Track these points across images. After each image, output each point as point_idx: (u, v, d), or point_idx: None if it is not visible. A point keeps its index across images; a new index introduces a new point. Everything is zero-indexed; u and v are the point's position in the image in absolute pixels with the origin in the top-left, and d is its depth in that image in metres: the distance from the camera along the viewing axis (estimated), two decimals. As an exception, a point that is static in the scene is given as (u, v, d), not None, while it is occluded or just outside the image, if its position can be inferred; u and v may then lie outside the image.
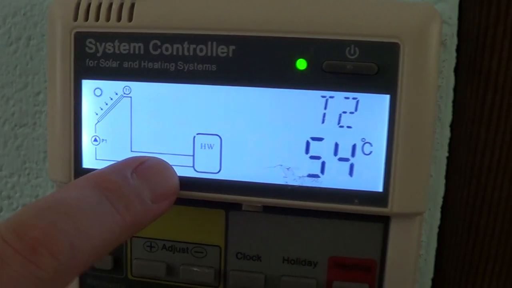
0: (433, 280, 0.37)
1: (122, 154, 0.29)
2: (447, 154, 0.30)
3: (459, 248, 0.36)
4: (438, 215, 0.31)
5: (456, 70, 0.34)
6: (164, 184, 0.24)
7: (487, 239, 0.36)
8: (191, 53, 0.27)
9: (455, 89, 0.34)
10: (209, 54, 0.27)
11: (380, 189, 0.27)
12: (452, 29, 0.28)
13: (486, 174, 0.35)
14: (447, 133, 0.29)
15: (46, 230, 0.18)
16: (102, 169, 0.23)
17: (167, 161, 0.27)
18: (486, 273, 0.36)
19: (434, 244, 0.31)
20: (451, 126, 0.30)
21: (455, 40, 0.29)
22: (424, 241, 0.30)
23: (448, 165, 0.36)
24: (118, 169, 0.23)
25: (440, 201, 0.31)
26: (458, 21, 0.32)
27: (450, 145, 0.34)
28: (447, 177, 0.35)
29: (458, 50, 0.33)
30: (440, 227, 0.37)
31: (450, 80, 0.29)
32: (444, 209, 0.36)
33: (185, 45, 0.27)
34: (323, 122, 0.27)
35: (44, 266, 0.17)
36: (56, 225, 0.18)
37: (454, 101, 0.34)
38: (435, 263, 0.37)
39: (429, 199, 0.30)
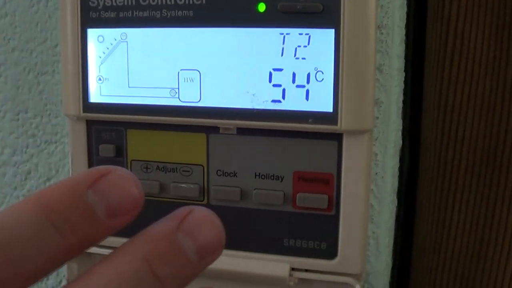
0: (406, 208, 0.43)
1: (122, 90, 0.37)
2: (397, 84, 0.37)
3: (431, 179, 0.43)
4: (392, 137, 0.37)
5: (423, 19, 0.40)
6: (122, 198, 0.22)
7: (455, 170, 0.42)
8: (173, 2, 0.36)
9: (423, 36, 0.41)
10: (186, 2, 0.35)
11: (331, 110, 0.34)
12: (396, -26, 0.35)
13: (451, 111, 0.41)
14: (395, 64, 0.36)
15: None
16: (53, 185, 0.21)
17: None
18: (456, 201, 0.42)
19: (390, 163, 0.38)
20: (408, 60, 0.37)
21: (399, -16, 0.36)
22: (379, 160, 0.37)
23: (419, 104, 0.42)
24: (71, 185, 0.21)
25: (393, 126, 0.37)
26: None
27: (416, 84, 0.41)
28: (414, 112, 0.42)
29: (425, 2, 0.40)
30: (413, 162, 0.43)
31: (395, 19, 0.36)
32: (416, 145, 0.43)
33: (168, -5, 0.36)
34: (282, 55, 0.35)
35: None
36: None
37: (418, 46, 0.40)
38: (409, 192, 0.43)
39: (381, 123, 0.37)
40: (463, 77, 0.41)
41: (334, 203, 0.36)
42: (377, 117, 0.37)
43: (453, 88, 0.41)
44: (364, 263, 0.37)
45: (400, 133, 0.39)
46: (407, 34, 0.39)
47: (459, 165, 0.42)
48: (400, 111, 0.38)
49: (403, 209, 0.43)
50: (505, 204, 0.41)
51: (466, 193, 0.42)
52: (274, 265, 0.37)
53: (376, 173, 0.37)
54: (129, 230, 0.21)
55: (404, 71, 0.39)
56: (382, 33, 0.36)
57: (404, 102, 0.40)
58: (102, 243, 0.39)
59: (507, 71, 0.40)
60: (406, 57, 0.39)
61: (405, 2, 0.37)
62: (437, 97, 0.41)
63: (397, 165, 0.39)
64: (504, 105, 0.40)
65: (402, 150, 0.41)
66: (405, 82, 0.39)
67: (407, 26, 0.39)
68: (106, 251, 0.38)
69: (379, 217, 0.38)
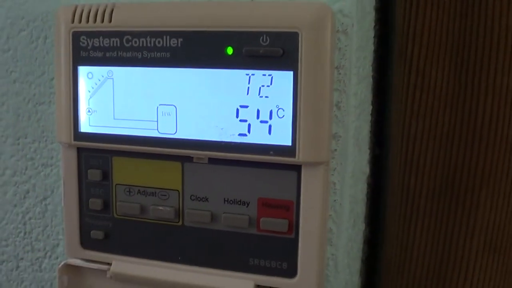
0: (373, 233, 0.47)
1: (108, 121, 0.42)
2: (354, 119, 0.41)
3: (395, 206, 0.47)
4: (349, 168, 0.42)
5: (388, 58, 0.45)
6: None
7: (416, 197, 0.46)
8: (152, 44, 0.40)
9: (388, 74, 0.45)
10: (164, 45, 0.40)
11: (290, 143, 0.39)
12: (352, 20, 0.39)
13: (413, 142, 0.45)
14: (352, 101, 0.40)
15: None
16: None
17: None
18: (417, 227, 0.46)
19: (347, 192, 0.42)
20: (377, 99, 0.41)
21: (355, 29, 0.40)
22: (338, 189, 0.41)
23: (383, 137, 0.46)
24: None
25: (351, 158, 0.42)
26: (391, 18, 0.43)
27: (389, 118, 0.45)
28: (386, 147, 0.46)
29: (389, 41, 0.44)
30: (380, 189, 0.48)
31: (352, 60, 0.40)
32: (384, 173, 0.47)
33: (148, 38, 0.40)
34: (247, 93, 0.39)
35: None
36: None
37: (385, 83, 0.45)
38: (375, 220, 0.48)
39: (339, 155, 0.41)
40: (423, 111, 0.45)
41: (294, 227, 0.40)
42: (335, 150, 0.41)
43: (415, 121, 0.45)
44: (322, 282, 0.41)
45: (364, 163, 0.43)
46: (378, 72, 0.43)
47: (420, 193, 0.46)
48: (361, 143, 0.42)
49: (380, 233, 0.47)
50: (462, 230, 0.45)
51: (427, 219, 0.46)
52: (240, 282, 0.41)
53: (335, 200, 0.42)
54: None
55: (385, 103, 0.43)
56: (340, 73, 0.40)
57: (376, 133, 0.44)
58: (93, 258, 0.44)
59: (464, 105, 0.43)
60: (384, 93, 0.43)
61: (363, 45, 0.41)
62: (400, 129, 0.45)
63: (359, 192, 0.43)
64: (462, 136, 0.44)
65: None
66: (385, 114, 0.44)
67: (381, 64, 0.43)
68: (97, 266, 0.43)
69: (338, 240, 0.42)
